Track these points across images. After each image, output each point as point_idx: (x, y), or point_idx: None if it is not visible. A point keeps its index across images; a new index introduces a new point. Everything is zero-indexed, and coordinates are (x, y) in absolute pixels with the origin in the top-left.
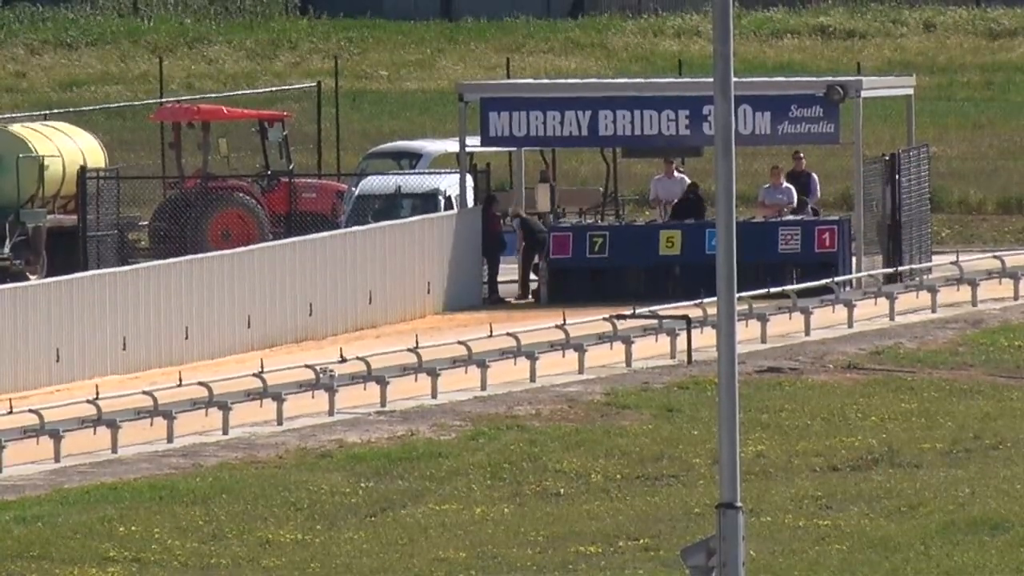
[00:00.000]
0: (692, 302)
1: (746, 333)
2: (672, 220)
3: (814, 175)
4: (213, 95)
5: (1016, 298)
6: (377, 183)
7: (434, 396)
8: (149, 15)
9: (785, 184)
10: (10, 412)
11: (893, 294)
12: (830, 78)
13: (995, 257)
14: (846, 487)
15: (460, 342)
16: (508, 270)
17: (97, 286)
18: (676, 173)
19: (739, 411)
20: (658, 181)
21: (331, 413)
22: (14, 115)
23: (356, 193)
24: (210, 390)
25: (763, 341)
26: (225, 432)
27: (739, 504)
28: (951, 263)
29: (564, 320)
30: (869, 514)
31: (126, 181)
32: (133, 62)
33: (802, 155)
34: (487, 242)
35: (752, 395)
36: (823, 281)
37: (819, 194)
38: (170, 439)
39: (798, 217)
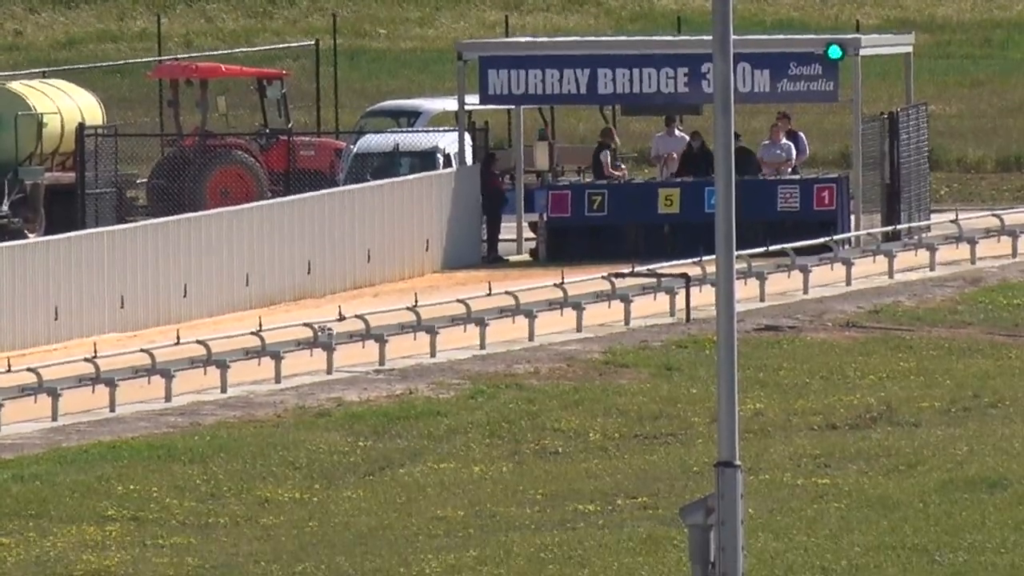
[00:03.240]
0: (691, 260)
1: (745, 291)
2: (679, 174)
3: (802, 135)
4: (211, 53)
5: (1014, 256)
6: (375, 141)
7: (433, 355)
8: None
9: (784, 140)
10: (8, 370)
11: (892, 252)
12: (829, 36)
13: (994, 215)
14: (844, 445)
15: (459, 300)
16: (506, 228)
17: (95, 244)
18: (676, 131)
19: (737, 369)
20: (660, 138)
21: (329, 371)
22: (12, 73)
23: (354, 151)
24: (208, 348)
25: (762, 299)
26: (223, 391)
27: (738, 462)
28: (950, 221)
29: (563, 279)
30: (867, 472)
31: (124, 139)
32: (131, 20)
33: (789, 114)
34: (487, 200)
35: (751, 353)
36: (822, 239)
37: (807, 152)
38: (168, 398)
39: (797, 175)
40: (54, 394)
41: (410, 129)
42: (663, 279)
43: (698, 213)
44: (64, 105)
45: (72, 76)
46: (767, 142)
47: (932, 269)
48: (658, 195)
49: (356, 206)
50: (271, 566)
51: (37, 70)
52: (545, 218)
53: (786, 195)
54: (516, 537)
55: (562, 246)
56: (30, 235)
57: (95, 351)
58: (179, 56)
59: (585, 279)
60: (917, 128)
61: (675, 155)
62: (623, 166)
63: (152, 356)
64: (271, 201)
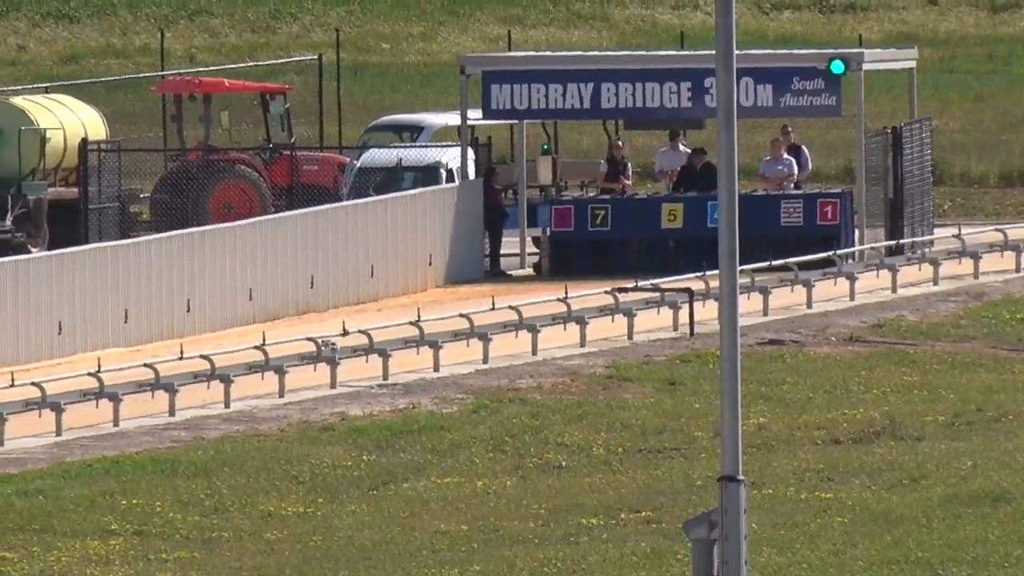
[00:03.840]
0: (694, 274)
1: (748, 306)
2: (676, 189)
3: (804, 149)
4: (215, 67)
5: (1018, 271)
6: (379, 156)
7: (436, 369)
8: None
9: (786, 156)
10: (12, 385)
11: (895, 267)
12: (832, 50)
13: (997, 230)
14: (848, 460)
15: (462, 315)
16: (510, 243)
17: (99, 259)
18: (680, 146)
19: (741, 384)
20: (663, 153)
21: (333, 386)
22: (16, 88)
23: (358, 166)
24: (212, 363)
25: (765, 314)
26: (227, 405)
27: (741, 477)
28: (953, 236)
29: (566, 293)
30: (871, 487)
31: (127, 154)
32: (134, 35)
33: (791, 129)
34: (488, 215)
35: (754, 368)
36: (825, 253)
37: (810, 168)
38: (172, 412)
39: (800, 190)
40: (58, 409)
41: (413, 144)
42: (666, 294)
43: (701, 228)
44: (67, 120)
45: (75, 91)
46: (768, 158)
47: (935, 284)
48: (661, 210)
49: (359, 221)
50: None
51: (40, 85)
52: (548, 232)
53: (789, 210)
54: (520, 551)
55: (565, 261)
56: (33, 250)
57: (99, 366)
58: (182, 71)
59: (588, 294)
60: (920, 143)
61: (679, 170)
62: (626, 177)
63: (156, 371)
64: (274, 216)
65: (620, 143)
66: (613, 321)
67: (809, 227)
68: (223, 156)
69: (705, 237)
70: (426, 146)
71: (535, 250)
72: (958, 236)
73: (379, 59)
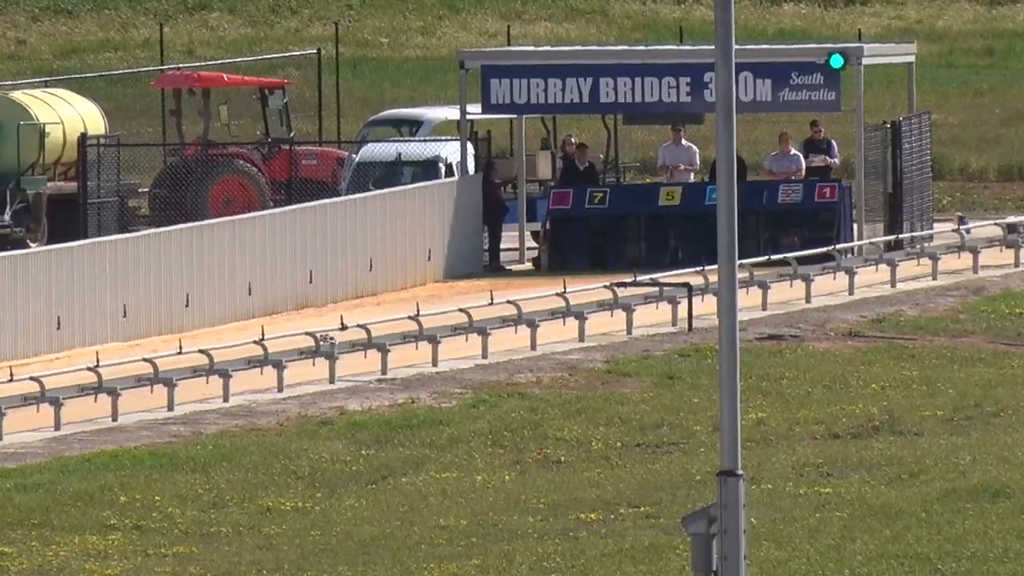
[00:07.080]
0: (693, 269)
1: (747, 300)
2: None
3: (833, 141)
4: (214, 62)
5: (1017, 265)
6: (378, 150)
7: (435, 364)
8: None
9: (793, 151)
10: (11, 379)
11: (894, 261)
12: (831, 45)
13: (996, 224)
14: (847, 455)
15: (461, 310)
16: (509, 237)
17: (98, 253)
18: (683, 141)
19: (740, 379)
20: (666, 148)
21: (332, 381)
22: (15, 82)
23: (357, 160)
24: (211, 357)
25: (764, 308)
26: (226, 400)
27: (740, 472)
28: (952, 230)
29: (565, 288)
30: (870, 481)
31: (127, 148)
32: (134, 29)
33: (820, 125)
34: (487, 209)
35: (753, 362)
36: (824, 248)
37: (839, 159)
38: (170, 407)
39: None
40: (56, 403)
41: (412, 138)
42: (665, 288)
43: (699, 206)
44: (66, 114)
45: (74, 85)
46: (775, 153)
47: (935, 278)
48: (659, 192)
49: (358, 215)
50: (273, 575)
51: (39, 79)
52: (548, 214)
53: (788, 191)
54: (518, 546)
55: (564, 255)
56: (32, 245)
57: (97, 360)
58: (181, 65)
59: (587, 288)
60: (919, 137)
61: (682, 166)
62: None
63: (154, 365)
64: (273, 211)
65: (573, 140)
66: (612, 316)
67: (806, 203)
68: (222, 151)
69: (703, 214)
70: (425, 140)
71: (534, 245)
72: (957, 230)
73: (378, 54)
